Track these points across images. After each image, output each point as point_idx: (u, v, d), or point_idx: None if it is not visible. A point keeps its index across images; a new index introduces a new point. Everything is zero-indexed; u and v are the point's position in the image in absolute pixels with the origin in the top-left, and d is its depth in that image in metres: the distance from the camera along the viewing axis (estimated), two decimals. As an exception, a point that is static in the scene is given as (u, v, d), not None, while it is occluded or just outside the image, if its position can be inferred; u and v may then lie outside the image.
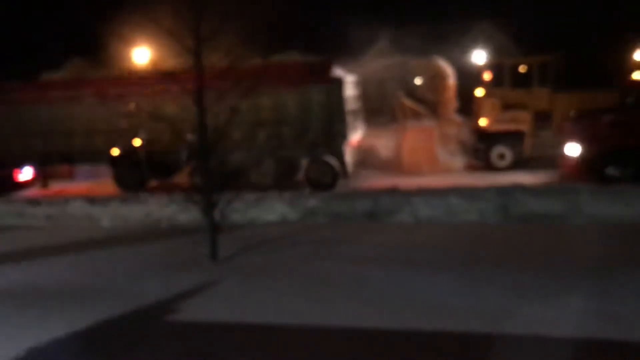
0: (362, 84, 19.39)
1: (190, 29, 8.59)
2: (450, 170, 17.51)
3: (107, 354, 5.96)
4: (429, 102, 21.36)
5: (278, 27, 8.86)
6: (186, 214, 11.97)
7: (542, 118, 17.10)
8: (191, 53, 8.70)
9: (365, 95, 21.02)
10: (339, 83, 15.55)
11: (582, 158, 13.49)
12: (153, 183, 17.83)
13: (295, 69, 16.11)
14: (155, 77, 17.04)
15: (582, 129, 13.96)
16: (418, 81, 22.82)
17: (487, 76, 17.72)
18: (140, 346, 6.07)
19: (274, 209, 12.38)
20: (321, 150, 15.80)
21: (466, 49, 28.67)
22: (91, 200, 13.82)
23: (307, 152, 15.94)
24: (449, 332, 5.98)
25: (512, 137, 17.14)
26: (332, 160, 15.81)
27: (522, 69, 17.42)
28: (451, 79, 22.02)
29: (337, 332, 6.13)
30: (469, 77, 20.86)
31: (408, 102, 21.16)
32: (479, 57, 21.18)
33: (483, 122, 17.57)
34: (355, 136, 16.74)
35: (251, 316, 6.70)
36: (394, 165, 17.72)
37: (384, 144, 18.35)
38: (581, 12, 27.30)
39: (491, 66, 17.87)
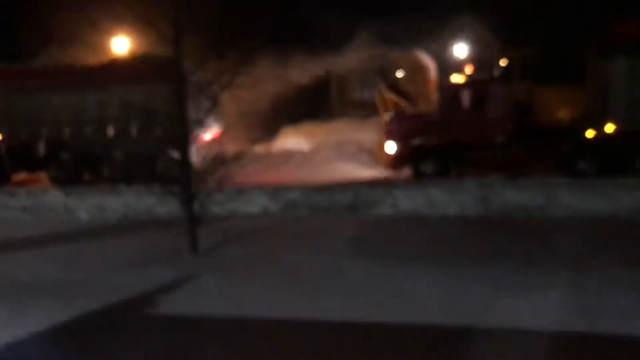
0: (343, 76, 19.38)
1: (169, 18, 8.45)
2: None
3: (83, 348, 5.86)
4: (410, 95, 21.39)
5: (257, 19, 8.78)
6: (165, 206, 11.80)
7: (522, 111, 17.19)
8: (170, 42, 8.57)
9: (346, 87, 21.01)
10: (183, 80, 15.85)
11: (397, 155, 14.75)
12: (21, 176, 18.32)
13: (142, 67, 16.34)
14: (13, 73, 17.87)
15: (397, 128, 15.08)
16: (399, 74, 22.83)
17: (468, 69, 17.77)
18: (118, 340, 5.97)
19: (254, 201, 12.31)
20: (167, 146, 16.18)
21: (447, 42, 28.74)
22: (68, 191, 13.62)
23: (156, 148, 16.33)
24: (427, 325, 5.97)
25: None
26: (177, 155, 16.11)
27: (502, 62, 17.48)
28: (432, 72, 22.06)
29: (317, 325, 6.09)
30: (449, 70, 20.90)
31: (389, 95, 21.17)
32: (460, 50, 21.27)
33: None
34: (206, 133, 16.95)
35: (231, 309, 6.64)
36: (375, 158, 17.73)
37: (365, 137, 18.36)
38: (563, 5, 27.46)
39: (472, 59, 17.93)
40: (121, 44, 22.58)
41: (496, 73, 16.24)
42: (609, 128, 13.93)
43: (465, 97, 15.00)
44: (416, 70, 22.23)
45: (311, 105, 24.40)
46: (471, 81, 15.77)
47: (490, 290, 6.84)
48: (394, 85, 22.06)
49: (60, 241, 10.27)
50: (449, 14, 29.25)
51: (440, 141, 14.22)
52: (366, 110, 21.78)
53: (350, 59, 24.06)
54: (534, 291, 6.72)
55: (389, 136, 15.09)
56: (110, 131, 17.03)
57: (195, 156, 15.94)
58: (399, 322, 6.07)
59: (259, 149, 21.02)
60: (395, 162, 14.97)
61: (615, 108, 13.85)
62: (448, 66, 24.25)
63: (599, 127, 14.12)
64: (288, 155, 20.79)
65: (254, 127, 19.94)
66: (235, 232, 10.35)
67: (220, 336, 5.96)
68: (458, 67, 18.51)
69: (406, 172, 15.14)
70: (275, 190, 12.51)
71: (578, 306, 6.26)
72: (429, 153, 14.46)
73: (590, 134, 14.22)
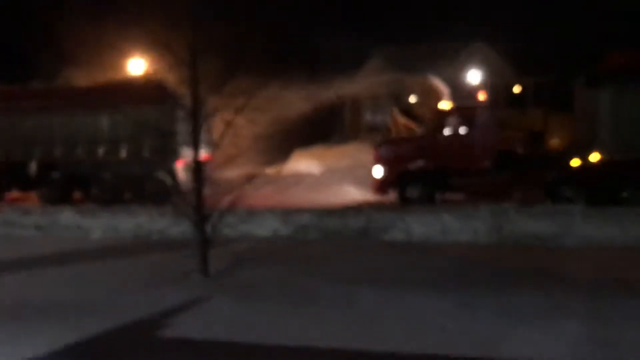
0: (356, 100, 19.50)
1: (185, 42, 8.53)
2: None
3: (93, 370, 5.83)
4: (423, 119, 21.42)
5: (273, 43, 8.85)
6: (178, 227, 11.83)
7: (535, 138, 17.16)
8: (186, 65, 8.64)
9: (360, 111, 21.09)
10: (172, 103, 16.12)
11: (383, 179, 14.99)
12: (14, 194, 18.85)
13: (131, 89, 16.92)
14: (7, 93, 18.34)
15: (384, 153, 15.36)
16: (412, 99, 22.89)
17: (481, 96, 17.79)
18: (127, 363, 5.94)
19: (265, 224, 12.30)
20: (155, 167, 16.54)
21: (460, 67, 28.84)
22: (82, 210, 13.69)
23: (143, 168, 16.71)
24: (440, 355, 5.88)
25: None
26: (165, 177, 16.38)
27: (516, 89, 17.50)
28: (445, 97, 22.11)
29: (327, 354, 6.02)
30: (462, 96, 20.93)
31: (402, 119, 21.21)
32: (473, 76, 21.32)
33: None
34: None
35: (240, 335, 6.58)
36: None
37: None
38: (573, 34, 27.56)
39: (486, 86, 17.97)
40: (137, 66, 22.81)
41: (487, 100, 16.36)
42: (594, 157, 14.05)
43: (451, 124, 15.16)
44: (429, 95, 22.30)
45: (324, 128, 24.49)
46: (457, 108, 15.93)
47: (504, 320, 6.75)
48: (407, 110, 22.11)
49: (72, 261, 10.28)
50: (462, 40, 29.42)
51: (427, 166, 14.40)
52: (379, 134, 21.81)
53: (364, 83, 24.18)
54: (547, 321, 6.62)
55: (377, 160, 15.33)
56: (100, 152, 17.50)
57: (183, 177, 16.48)
58: (411, 351, 5.98)
59: (271, 171, 21.07)
60: (382, 186, 15.20)
61: (601, 137, 13.93)
62: (461, 91, 24.30)
63: (584, 156, 14.25)
64: (299, 178, 20.81)
65: (267, 150, 19.99)
66: (247, 255, 10.32)
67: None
68: (471, 93, 18.54)
69: (392, 196, 15.34)
70: (287, 213, 12.50)
71: (596, 338, 6.16)
72: (414, 178, 14.65)
73: (575, 162, 14.39)
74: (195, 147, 8.76)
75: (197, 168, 8.84)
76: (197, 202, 8.92)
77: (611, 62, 14.41)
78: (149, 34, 9.35)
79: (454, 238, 11.11)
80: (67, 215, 13.36)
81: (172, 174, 16.38)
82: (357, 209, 13.25)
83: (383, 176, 15.13)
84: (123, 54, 21.75)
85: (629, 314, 6.81)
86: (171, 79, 9.18)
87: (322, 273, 8.99)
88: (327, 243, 11.33)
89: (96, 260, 10.34)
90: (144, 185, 16.98)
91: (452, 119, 15.23)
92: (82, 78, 21.19)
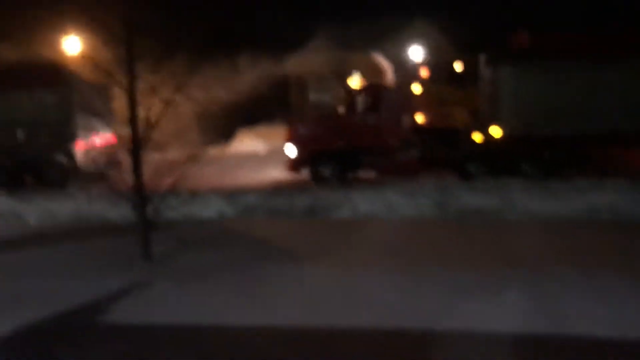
0: (300, 79, 19.36)
1: (121, 18, 8.20)
2: None
3: (29, 362, 5.59)
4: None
5: (212, 19, 8.60)
6: (118, 210, 11.47)
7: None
8: (122, 43, 8.31)
9: (303, 90, 20.97)
10: (69, 86, 15.90)
11: (296, 158, 15.13)
12: None
13: (28, 72, 16.61)
14: None
15: (296, 132, 15.48)
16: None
17: (423, 72, 17.93)
18: (64, 352, 5.72)
19: (210, 206, 12.08)
20: (53, 151, 16.52)
21: (404, 45, 28.97)
22: (16, 195, 13.14)
23: (42, 152, 16.57)
24: (387, 330, 5.90)
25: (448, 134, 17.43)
26: (64, 160, 16.41)
27: (458, 67, 17.71)
28: (389, 74, 22.20)
29: (275, 333, 5.96)
30: (407, 74, 21.04)
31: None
32: (416, 53, 21.45)
33: (419, 118, 17.75)
34: (94, 137, 16.94)
35: (184, 318, 6.44)
36: None
37: None
38: (516, 11, 28.02)
39: (429, 63, 18.11)
40: (73, 44, 21.97)
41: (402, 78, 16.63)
42: (495, 132, 14.57)
43: (360, 102, 15.27)
44: (373, 73, 22.33)
45: (269, 108, 24.26)
46: (367, 86, 16.04)
47: (449, 293, 6.82)
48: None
49: (6, 248, 9.86)
50: (405, 17, 29.50)
51: (338, 145, 14.47)
52: (324, 112, 21.74)
53: (308, 62, 24.02)
54: (491, 294, 6.73)
55: (289, 140, 15.39)
56: None
57: (83, 160, 16.27)
58: (357, 326, 5.99)
59: (214, 151, 20.73)
60: (295, 165, 15.24)
61: (502, 113, 14.45)
62: (405, 69, 24.43)
63: (486, 132, 14.75)
64: (243, 158, 20.59)
65: (210, 129, 19.65)
66: (191, 237, 10.12)
67: (172, 345, 5.77)
68: (414, 70, 18.66)
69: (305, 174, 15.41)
70: (232, 194, 12.31)
71: (540, 309, 6.29)
72: (326, 157, 14.73)
73: (478, 138, 14.85)
74: (133, 126, 8.47)
75: (135, 149, 8.55)
76: (137, 183, 8.64)
77: (513, 41, 14.93)
78: (83, 10, 8.96)
79: (399, 214, 11.18)
80: (0, 201, 12.81)
81: (71, 157, 16.27)
82: (303, 188, 13.17)
83: (296, 155, 15.15)
84: (57, 31, 20.92)
85: (569, 284, 6.99)
86: (107, 56, 8.79)
87: (269, 253, 8.90)
88: (274, 223, 11.22)
89: (32, 246, 9.94)
90: (42, 169, 16.57)
91: (361, 98, 15.28)
92: (16, 56, 20.29)
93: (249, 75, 23.36)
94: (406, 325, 5.99)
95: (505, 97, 14.38)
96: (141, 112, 8.43)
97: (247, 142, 23.59)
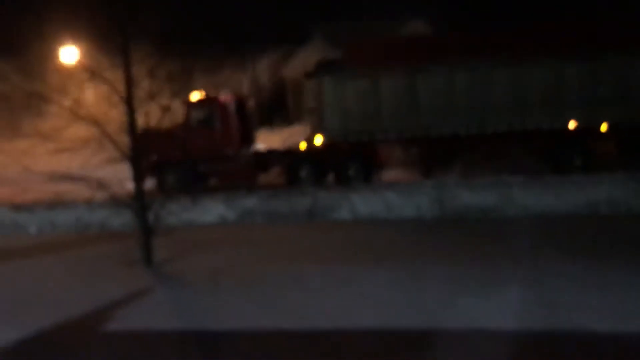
0: (299, 82, 19.35)
1: (119, 27, 8.27)
2: None
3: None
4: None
5: (208, 22, 8.67)
6: (119, 217, 11.51)
7: None
8: (119, 51, 8.38)
9: (301, 93, 20.91)
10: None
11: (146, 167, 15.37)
12: None
13: None
14: None
15: (142, 142, 15.32)
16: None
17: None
18: (69, 358, 5.77)
19: (210, 211, 12.13)
20: None
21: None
22: (17, 206, 13.19)
23: None
24: (389, 329, 5.93)
25: None
26: None
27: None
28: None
29: (277, 334, 6.00)
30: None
31: None
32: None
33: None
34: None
35: (186, 322, 6.48)
36: None
37: None
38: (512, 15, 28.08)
39: None
40: (70, 54, 22.03)
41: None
42: (318, 140, 15.40)
43: (197, 114, 15.93)
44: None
45: (267, 112, 24.28)
46: (202, 99, 16.36)
47: (450, 289, 6.86)
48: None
49: (9, 258, 9.92)
50: (402, 17, 29.48)
51: (178, 155, 14.89)
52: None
53: (304, 64, 24.00)
54: (495, 289, 6.77)
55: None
56: None
57: None
58: (361, 327, 6.02)
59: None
60: (147, 174, 15.57)
61: (325, 122, 15.17)
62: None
63: (310, 140, 15.62)
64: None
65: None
66: (191, 242, 10.17)
67: (174, 350, 5.82)
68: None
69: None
70: (231, 198, 12.36)
71: (539, 302, 6.32)
72: (168, 167, 15.38)
73: (303, 145, 15.68)
74: (132, 133, 8.53)
75: (135, 156, 8.61)
76: (138, 190, 8.71)
77: (326, 57, 16.05)
78: (80, 20, 9.04)
79: (399, 214, 11.23)
80: (2, 212, 12.84)
81: None
82: (302, 190, 13.21)
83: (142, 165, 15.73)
84: (55, 42, 20.98)
85: (568, 278, 7.03)
86: (104, 64, 8.87)
87: (269, 256, 8.95)
88: (273, 226, 11.27)
89: (34, 256, 10.00)
90: None
91: (198, 110, 15.94)
92: (12, 67, 20.33)
93: (246, 78, 23.41)
94: (410, 323, 6.02)
95: (324, 107, 15.11)
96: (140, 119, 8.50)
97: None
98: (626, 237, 8.92)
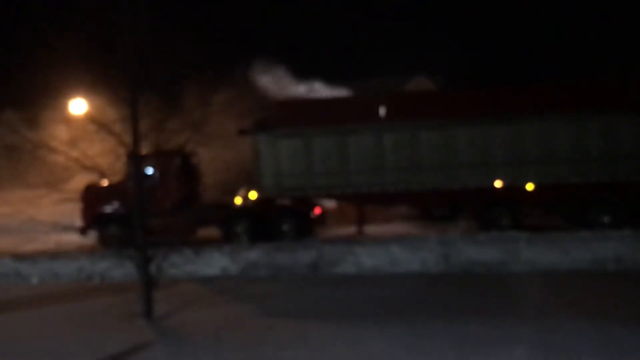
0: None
1: (126, 80, 8.41)
2: None
3: None
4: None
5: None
6: (121, 269, 11.44)
7: None
8: (126, 103, 8.50)
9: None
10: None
11: (85, 221, 15.82)
12: None
13: None
14: None
15: (85, 197, 16.15)
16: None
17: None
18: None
19: (213, 263, 12.03)
20: None
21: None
22: (19, 256, 13.13)
23: None
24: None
25: None
26: None
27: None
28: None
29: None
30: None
31: None
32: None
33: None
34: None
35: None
36: None
37: None
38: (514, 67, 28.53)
39: None
40: (78, 106, 22.35)
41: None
42: (252, 195, 15.66)
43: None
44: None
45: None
46: (143, 154, 16.41)
47: (457, 348, 6.71)
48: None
49: (10, 309, 9.80)
50: (405, 74, 29.92)
51: (118, 210, 15.29)
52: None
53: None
54: (502, 347, 6.62)
55: (81, 203, 16.12)
56: None
57: None
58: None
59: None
60: (83, 228, 15.84)
61: (260, 178, 15.38)
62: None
63: (245, 195, 15.86)
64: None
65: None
66: (194, 295, 10.05)
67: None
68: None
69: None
70: (235, 251, 12.28)
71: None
72: (109, 220, 15.45)
73: (238, 200, 15.89)
74: (138, 183, 8.55)
75: (139, 206, 8.60)
76: (140, 242, 8.66)
77: (270, 111, 16.09)
78: (89, 74, 9.22)
79: (404, 269, 11.11)
80: (4, 263, 12.78)
81: None
82: (306, 243, 13.14)
83: (83, 219, 15.90)
84: (63, 95, 21.32)
85: (575, 337, 6.88)
86: (112, 116, 8.99)
87: (271, 311, 8.82)
88: (277, 280, 11.16)
89: (35, 307, 9.88)
90: None
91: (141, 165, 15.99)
92: (21, 121, 20.57)
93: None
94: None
95: (259, 163, 15.31)
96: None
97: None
98: (635, 295, 8.79)
